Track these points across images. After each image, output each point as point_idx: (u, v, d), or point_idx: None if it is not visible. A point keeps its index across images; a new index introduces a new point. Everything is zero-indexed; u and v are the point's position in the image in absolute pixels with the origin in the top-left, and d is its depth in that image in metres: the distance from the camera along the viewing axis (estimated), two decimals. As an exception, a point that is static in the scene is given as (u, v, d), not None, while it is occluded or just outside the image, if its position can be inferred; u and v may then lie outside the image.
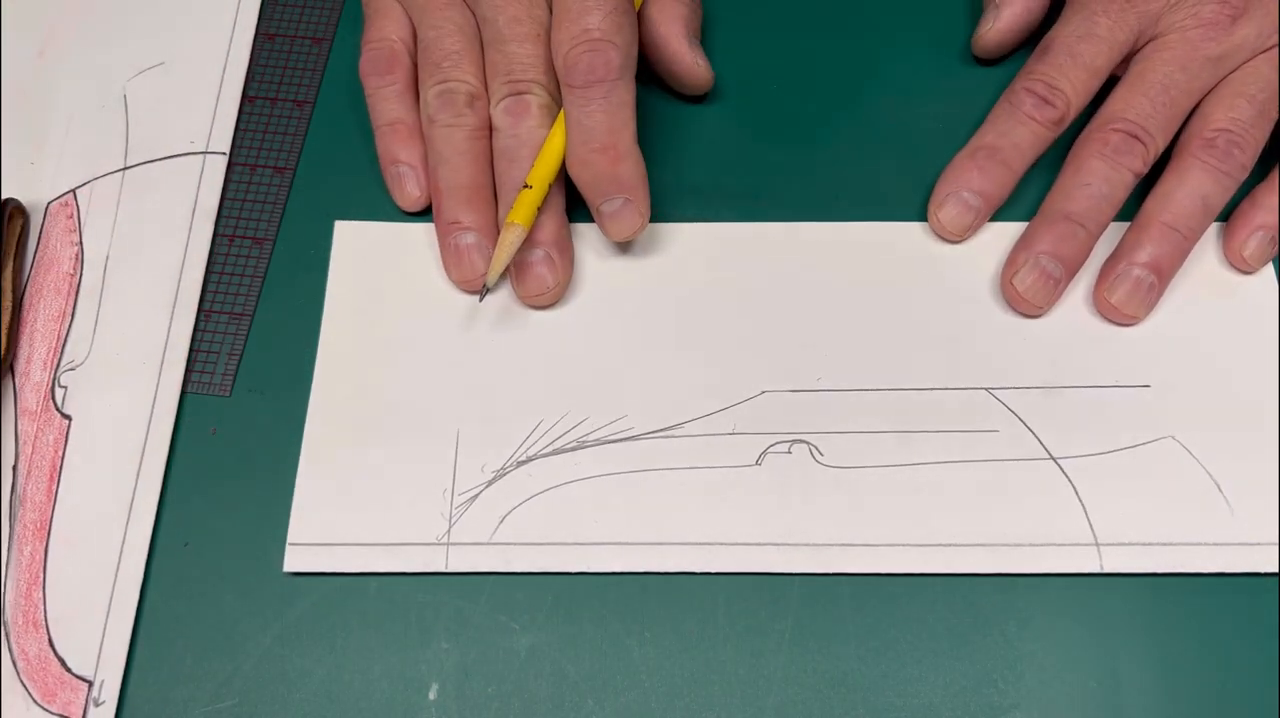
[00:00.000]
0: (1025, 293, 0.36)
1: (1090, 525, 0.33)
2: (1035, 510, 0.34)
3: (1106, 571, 0.33)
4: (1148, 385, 0.35)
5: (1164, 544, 0.33)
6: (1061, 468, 0.34)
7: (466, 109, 0.37)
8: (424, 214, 0.39)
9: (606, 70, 0.34)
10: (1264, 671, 0.32)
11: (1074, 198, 0.36)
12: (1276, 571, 0.33)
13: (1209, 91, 0.37)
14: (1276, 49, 0.36)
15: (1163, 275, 0.36)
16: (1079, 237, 0.36)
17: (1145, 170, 0.36)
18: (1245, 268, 0.37)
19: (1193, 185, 0.36)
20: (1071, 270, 0.36)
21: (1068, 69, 0.37)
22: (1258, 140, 0.36)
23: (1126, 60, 0.38)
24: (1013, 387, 0.36)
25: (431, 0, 0.38)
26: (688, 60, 0.39)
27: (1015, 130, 0.37)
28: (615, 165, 0.34)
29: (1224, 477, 0.34)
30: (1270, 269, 0.37)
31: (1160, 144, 0.36)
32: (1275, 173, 0.37)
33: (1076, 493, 0.34)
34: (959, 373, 0.36)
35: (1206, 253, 0.37)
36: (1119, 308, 0.36)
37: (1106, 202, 0.36)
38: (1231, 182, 0.36)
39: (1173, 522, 0.33)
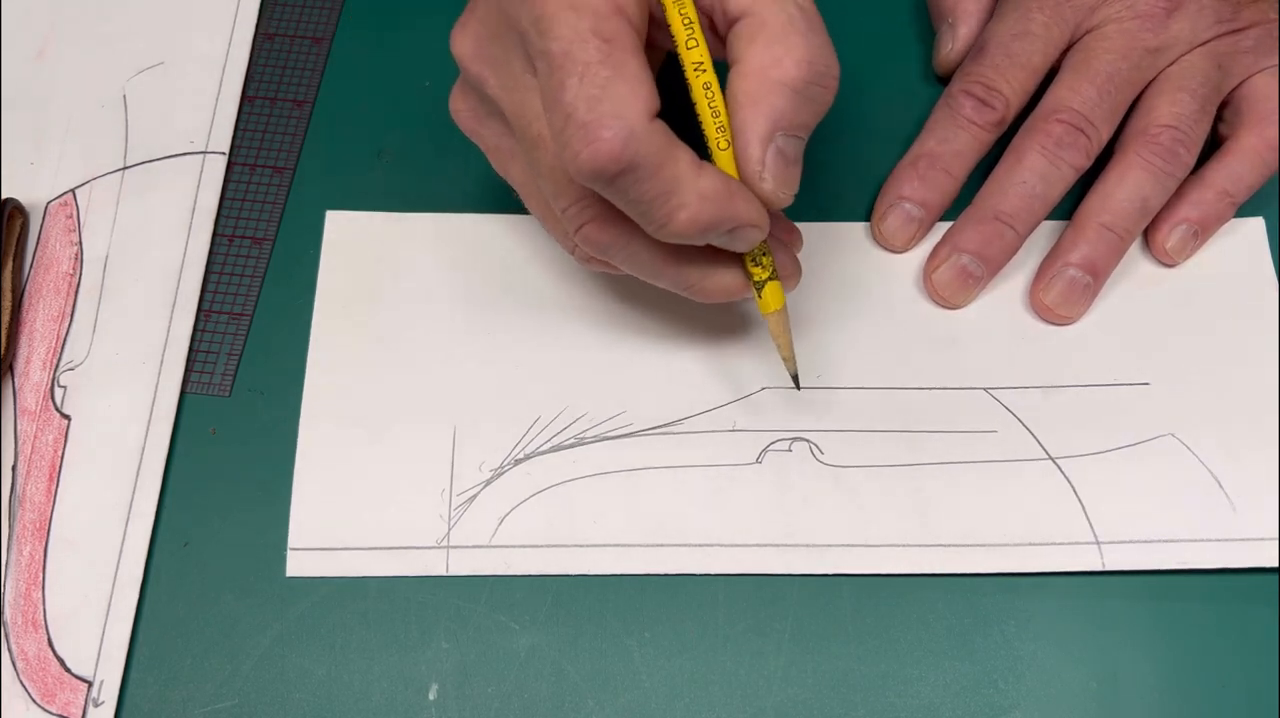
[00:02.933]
0: (942, 289, 0.36)
1: (1090, 524, 0.33)
2: (1035, 510, 0.34)
3: (1108, 568, 0.33)
4: (1147, 383, 0.35)
5: (1165, 541, 0.33)
6: (1060, 468, 0.34)
7: None
8: (418, 204, 0.38)
9: None
10: (1264, 671, 0.32)
11: (1008, 195, 0.36)
12: (1278, 565, 0.33)
13: (1147, 86, 0.36)
14: (1213, 44, 0.36)
15: (1098, 276, 0.36)
16: (1006, 238, 0.36)
17: (1088, 165, 0.36)
18: (1168, 261, 0.37)
19: (1133, 186, 0.35)
20: (994, 269, 0.36)
21: (1005, 69, 0.36)
22: (1200, 137, 0.36)
23: (1061, 57, 0.37)
24: (1011, 386, 0.35)
25: None
26: (753, 166, 0.28)
27: (956, 136, 0.37)
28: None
29: (1225, 473, 0.34)
30: (1270, 266, 0.37)
31: (1104, 136, 0.36)
32: (1203, 169, 0.37)
33: (1075, 492, 0.34)
34: (958, 373, 0.36)
35: (1207, 249, 0.37)
36: (1053, 308, 0.36)
37: (1040, 201, 0.36)
38: (1173, 182, 0.35)
39: (1174, 518, 0.33)
